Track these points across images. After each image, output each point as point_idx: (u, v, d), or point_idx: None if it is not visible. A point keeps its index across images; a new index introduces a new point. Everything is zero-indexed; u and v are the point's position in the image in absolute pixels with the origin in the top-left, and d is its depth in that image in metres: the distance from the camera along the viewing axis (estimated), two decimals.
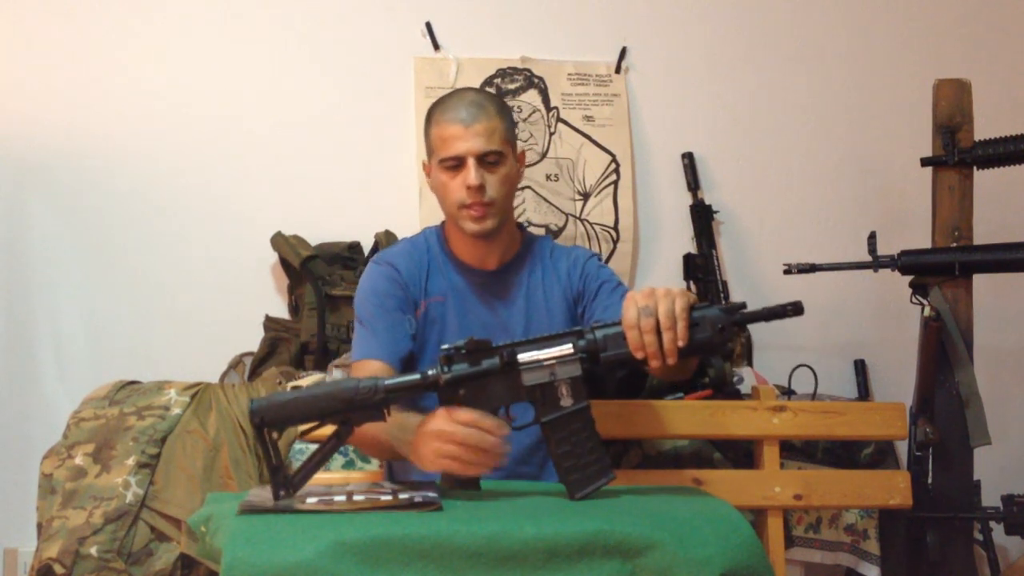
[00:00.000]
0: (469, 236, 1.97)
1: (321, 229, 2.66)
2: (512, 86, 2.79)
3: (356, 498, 1.54)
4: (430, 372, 1.60)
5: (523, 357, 1.61)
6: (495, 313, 2.00)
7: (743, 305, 1.67)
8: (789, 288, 2.81)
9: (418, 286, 1.99)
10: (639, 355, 1.60)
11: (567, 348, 1.62)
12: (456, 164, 1.92)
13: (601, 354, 1.63)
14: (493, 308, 2.01)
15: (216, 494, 1.84)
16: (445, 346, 1.61)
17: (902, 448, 2.56)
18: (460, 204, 1.93)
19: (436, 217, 2.53)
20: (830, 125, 2.94)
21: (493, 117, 1.94)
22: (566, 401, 1.61)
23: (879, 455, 2.51)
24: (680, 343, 1.58)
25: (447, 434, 1.57)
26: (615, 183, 2.83)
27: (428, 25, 2.77)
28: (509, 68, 2.81)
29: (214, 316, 2.66)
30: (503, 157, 1.94)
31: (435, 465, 1.59)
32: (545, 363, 1.61)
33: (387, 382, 1.57)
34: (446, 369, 1.60)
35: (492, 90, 2.75)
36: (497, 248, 2.02)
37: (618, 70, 2.86)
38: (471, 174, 1.90)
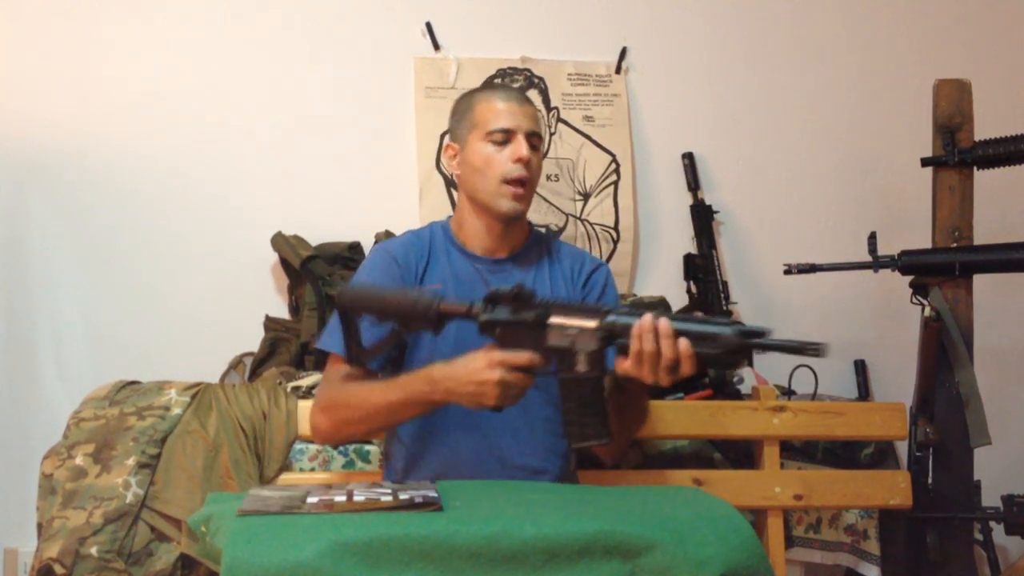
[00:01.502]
0: (498, 218, 1.99)
1: (321, 229, 2.66)
2: (512, 86, 2.78)
3: (356, 498, 1.54)
4: (475, 307, 1.75)
5: (553, 320, 1.71)
6: None
7: (762, 332, 1.60)
8: (789, 288, 2.81)
9: (413, 273, 2.00)
10: (636, 367, 1.66)
11: (591, 323, 1.70)
12: (505, 138, 1.97)
13: (617, 340, 1.69)
14: None
15: (216, 494, 1.85)
16: (494, 288, 1.75)
17: (902, 448, 2.55)
18: (505, 178, 1.96)
19: (436, 217, 2.53)
20: (830, 125, 2.94)
21: (534, 107, 2.05)
22: (582, 367, 1.69)
23: (879, 455, 2.51)
24: (671, 375, 1.65)
25: (506, 382, 1.70)
26: (615, 183, 2.83)
27: (428, 25, 2.78)
28: (509, 68, 2.81)
29: (214, 316, 2.65)
30: (541, 144, 2.03)
31: (482, 399, 1.72)
32: (569, 331, 1.70)
33: (443, 305, 1.76)
34: (489, 308, 1.75)
35: None
36: (510, 237, 2.04)
37: (618, 70, 2.86)
38: (524, 147, 1.96)
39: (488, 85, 2.06)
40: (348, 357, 1.84)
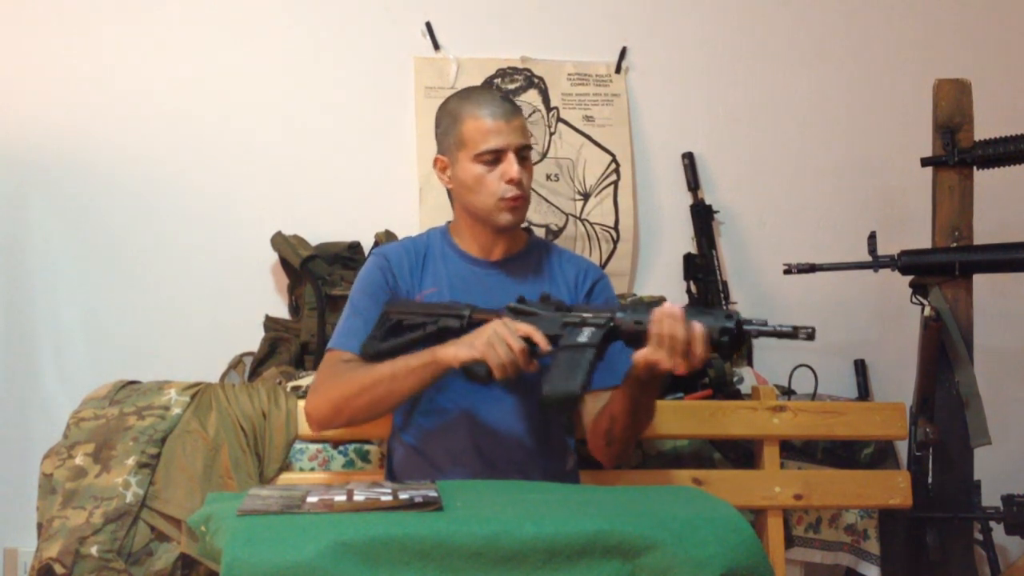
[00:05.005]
0: (497, 230, 2.01)
1: (321, 229, 2.66)
2: (512, 86, 2.79)
3: (356, 498, 1.54)
4: (505, 313, 1.85)
5: (568, 318, 1.82)
6: (494, 302, 1.99)
7: (745, 321, 1.72)
8: (789, 288, 2.81)
9: (407, 280, 2.03)
10: (655, 350, 1.71)
11: (603, 315, 1.80)
12: (495, 158, 1.96)
13: (619, 336, 1.78)
14: (492, 298, 2.00)
15: (216, 494, 1.85)
16: (518, 299, 1.86)
17: (902, 448, 2.55)
18: (500, 197, 1.96)
19: (436, 217, 2.54)
20: (830, 125, 2.94)
21: (522, 115, 2.03)
22: (582, 338, 1.78)
23: (879, 455, 2.51)
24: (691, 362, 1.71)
25: (502, 336, 1.77)
26: (615, 183, 2.83)
27: (428, 25, 2.78)
28: (509, 68, 2.81)
29: (214, 316, 2.66)
30: (531, 152, 2.04)
31: (477, 350, 1.78)
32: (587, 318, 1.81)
33: (475, 314, 1.88)
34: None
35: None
36: (507, 241, 2.06)
37: (618, 70, 2.86)
38: (515, 167, 1.95)
39: (472, 94, 2.03)
40: (364, 349, 1.93)
